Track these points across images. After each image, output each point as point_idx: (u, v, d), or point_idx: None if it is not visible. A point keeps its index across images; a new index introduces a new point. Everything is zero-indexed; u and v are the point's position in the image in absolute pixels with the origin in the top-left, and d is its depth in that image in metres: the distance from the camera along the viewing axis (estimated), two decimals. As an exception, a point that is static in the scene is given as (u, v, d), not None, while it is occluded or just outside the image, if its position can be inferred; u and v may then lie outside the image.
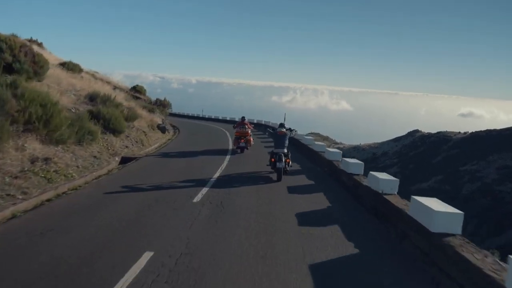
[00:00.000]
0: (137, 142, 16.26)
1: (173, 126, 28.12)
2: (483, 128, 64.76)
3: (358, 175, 9.69)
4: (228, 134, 24.87)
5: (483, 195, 47.37)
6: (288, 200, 8.53)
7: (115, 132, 14.56)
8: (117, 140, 14.42)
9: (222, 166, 12.63)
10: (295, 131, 13.15)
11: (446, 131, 69.66)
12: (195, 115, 55.66)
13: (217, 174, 11.18)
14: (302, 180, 11.21)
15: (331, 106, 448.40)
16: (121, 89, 28.17)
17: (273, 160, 10.89)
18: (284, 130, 11.60)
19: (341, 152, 12.29)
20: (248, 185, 10.05)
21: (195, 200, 8.00)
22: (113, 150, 13.17)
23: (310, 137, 17.75)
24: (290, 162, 11.44)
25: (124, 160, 12.81)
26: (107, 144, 13.24)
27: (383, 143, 75.67)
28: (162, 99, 32.27)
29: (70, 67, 21.96)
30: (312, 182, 10.92)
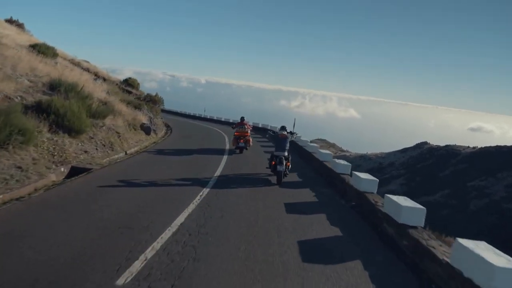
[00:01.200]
0: (104, 145, 12.79)
1: (167, 126, 25.80)
2: (493, 144, 63.54)
3: (372, 193, 8.34)
4: (227, 140, 21.18)
5: (491, 212, 46.29)
6: (288, 221, 7.08)
7: (72, 131, 11.28)
8: (74, 143, 11.13)
9: (203, 194, 8.54)
10: (296, 134, 12.69)
11: (455, 144, 68.49)
12: (197, 115, 52.11)
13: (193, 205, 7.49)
14: (304, 195, 9.69)
15: (339, 113, 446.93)
16: (111, 81, 25.42)
17: (273, 163, 10.71)
18: (286, 133, 11.37)
19: (351, 165, 11.11)
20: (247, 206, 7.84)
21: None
22: (62, 156, 9.86)
23: (315, 145, 16.83)
24: (290, 166, 11.25)
25: (76, 171, 9.56)
26: (54, 148, 9.92)
27: (390, 153, 74.67)
28: (154, 94, 27.30)
29: (41, 50, 18.32)
30: (315, 199, 9.37)
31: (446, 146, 68.34)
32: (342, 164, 10.91)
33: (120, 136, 14.55)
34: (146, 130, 17.93)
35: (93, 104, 14.08)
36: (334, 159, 11.66)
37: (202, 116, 50.44)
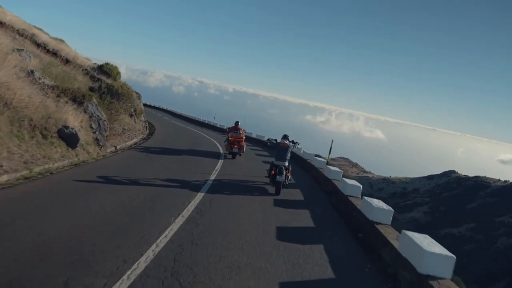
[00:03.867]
0: None
1: (150, 134, 20.10)
2: (526, 179, 60.23)
3: (385, 224, 6.76)
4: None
5: (520, 252, 43.48)
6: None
7: None
8: None
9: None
10: (298, 144, 11.90)
11: (485, 176, 65.42)
12: (205, 122, 41.13)
13: None
14: (303, 218, 8.04)
15: (365, 133, 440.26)
16: (78, 64, 18.42)
17: (273, 172, 10.22)
18: (287, 142, 10.89)
19: (361, 186, 9.52)
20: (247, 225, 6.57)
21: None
22: None
23: (321, 159, 15.38)
24: (290, 176, 10.88)
25: None
26: None
27: (415, 179, 72.12)
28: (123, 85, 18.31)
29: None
30: (313, 225, 7.68)
31: (475, 177, 65.37)
32: (351, 185, 9.44)
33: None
34: (69, 139, 10.41)
35: None
36: (343, 178, 10.25)
37: (211, 123, 39.54)
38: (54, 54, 17.95)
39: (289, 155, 10.68)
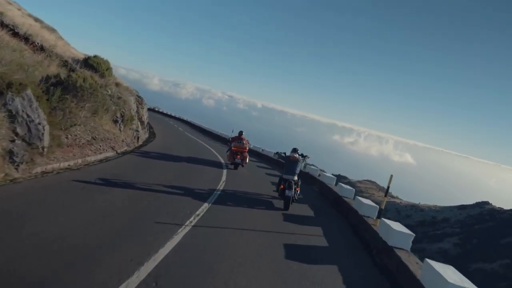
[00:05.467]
0: None
1: (139, 147, 16.26)
2: None
3: (404, 250, 6.24)
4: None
5: (559, 295, 40.21)
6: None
7: None
8: None
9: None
10: (308, 157, 11.52)
11: (522, 210, 61.76)
12: (223, 136, 35.07)
13: None
14: (315, 236, 7.71)
15: (394, 156, 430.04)
16: (57, 55, 14.87)
17: (282, 187, 10.06)
18: (297, 156, 10.67)
19: (378, 207, 8.90)
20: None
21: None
22: None
23: (331, 175, 14.93)
24: (299, 191, 10.78)
25: None
26: None
27: (445, 208, 69.06)
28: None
29: None
30: (326, 244, 7.38)
31: (511, 210, 61.86)
32: (367, 205, 8.98)
33: None
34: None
35: None
36: (358, 198, 9.81)
37: (228, 138, 31.76)
38: (26, 39, 14.45)
39: (298, 169, 10.44)
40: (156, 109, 62.83)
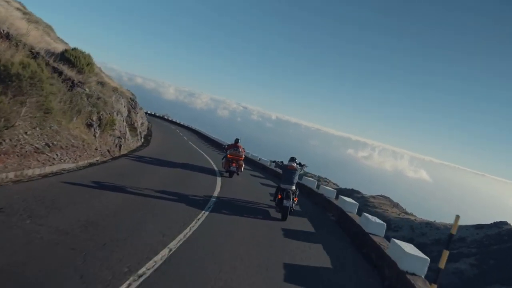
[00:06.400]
0: None
1: (116, 158, 13.48)
2: None
3: (418, 276, 5.79)
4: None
5: None
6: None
7: None
8: None
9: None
10: (306, 166, 11.36)
11: (543, 232, 59.53)
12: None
13: None
14: (316, 255, 7.22)
15: (409, 172, 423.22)
16: (26, 44, 11.97)
17: (279, 196, 9.86)
18: (295, 165, 10.52)
19: (385, 224, 8.48)
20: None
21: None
22: None
23: (330, 189, 14.11)
24: (297, 201, 10.67)
25: None
26: None
27: (461, 227, 67.08)
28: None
29: None
30: (329, 265, 6.82)
31: (532, 231, 59.72)
32: (375, 223, 8.37)
33: None
34: None
35: None
36: (365, 214, 9.10)
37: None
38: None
39: (296, 178, 10.35)
40: (166, 117, 63.44)
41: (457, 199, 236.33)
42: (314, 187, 15.87)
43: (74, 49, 15.72)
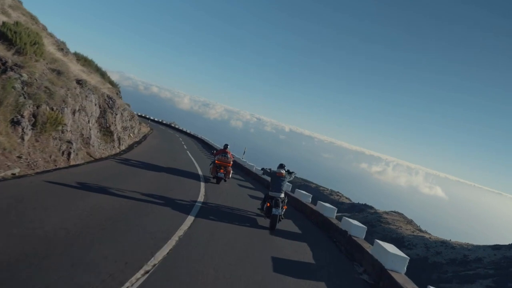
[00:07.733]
0: None
1: (59, 169, 9.52)
2: None
3: None
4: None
5: None
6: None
7: None
8: None
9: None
10: (295, 174, 11.07)
11: None
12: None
13: None
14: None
15: (423, 188, 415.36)
16: None
17: (268, 204, 9.79)
18: (283, 171, 10.34)
19: (366, 228, 9.14)
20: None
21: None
22: None
23: (328, 206, 12.21)
24: (286, 209, 10.38)
25: None
26: None
27: (478, 247, 64.91)
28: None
29: None
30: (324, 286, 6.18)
31: (553, 254, 57.29)
32: (356, 225, 9.12)
33: None
34: None
35: None
36: (348, 219, 9.59)
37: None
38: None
39: (285, 186, 10.29)
40: (172, 125, 64.01)
41: (473, 217, 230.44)
42: (307, 201, 14.09)
43: (17, 23, 12.12)
